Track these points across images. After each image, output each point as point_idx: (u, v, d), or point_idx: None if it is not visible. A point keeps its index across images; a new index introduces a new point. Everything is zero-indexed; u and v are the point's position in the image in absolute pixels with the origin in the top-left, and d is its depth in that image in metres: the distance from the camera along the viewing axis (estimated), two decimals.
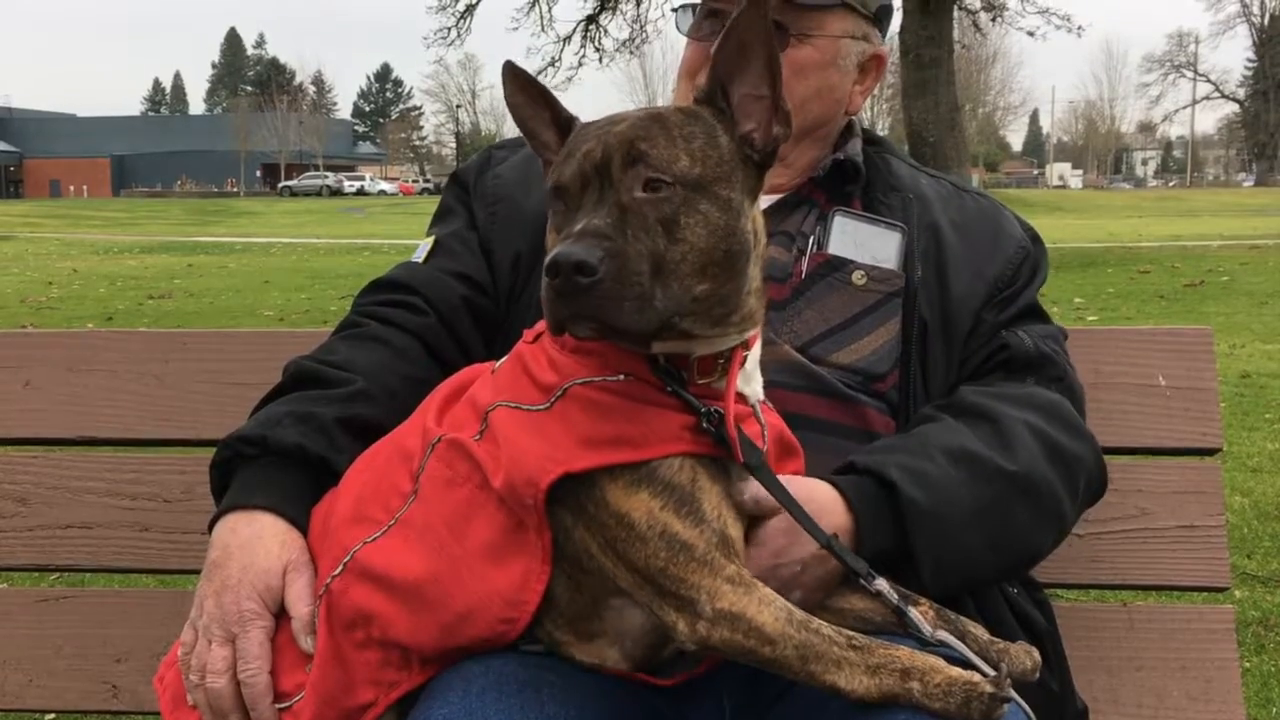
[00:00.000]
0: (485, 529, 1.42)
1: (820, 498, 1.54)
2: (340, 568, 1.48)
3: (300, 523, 1.58)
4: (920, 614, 1.46)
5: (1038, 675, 1.49)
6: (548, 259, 1.26)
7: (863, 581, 1.42)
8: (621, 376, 1.41)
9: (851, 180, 1.89)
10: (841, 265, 1.81)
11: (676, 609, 1.35)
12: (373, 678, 1.45)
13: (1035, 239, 1.94)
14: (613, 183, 1.33)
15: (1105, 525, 2.01)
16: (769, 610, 1.33)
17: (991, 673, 1.33)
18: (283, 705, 1.48)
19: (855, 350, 1.78)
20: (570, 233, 1.29)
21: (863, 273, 1.81)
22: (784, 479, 1.50)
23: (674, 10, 1.95)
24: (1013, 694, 1.30)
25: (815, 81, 1.84)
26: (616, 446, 1.37)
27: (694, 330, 1.38)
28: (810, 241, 1.83)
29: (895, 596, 1.42)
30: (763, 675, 1.47)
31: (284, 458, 1.62)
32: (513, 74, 1.51)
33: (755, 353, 1.50)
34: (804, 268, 1.81)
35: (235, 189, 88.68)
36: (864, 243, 1.83)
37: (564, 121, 1.48)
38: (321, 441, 1.63)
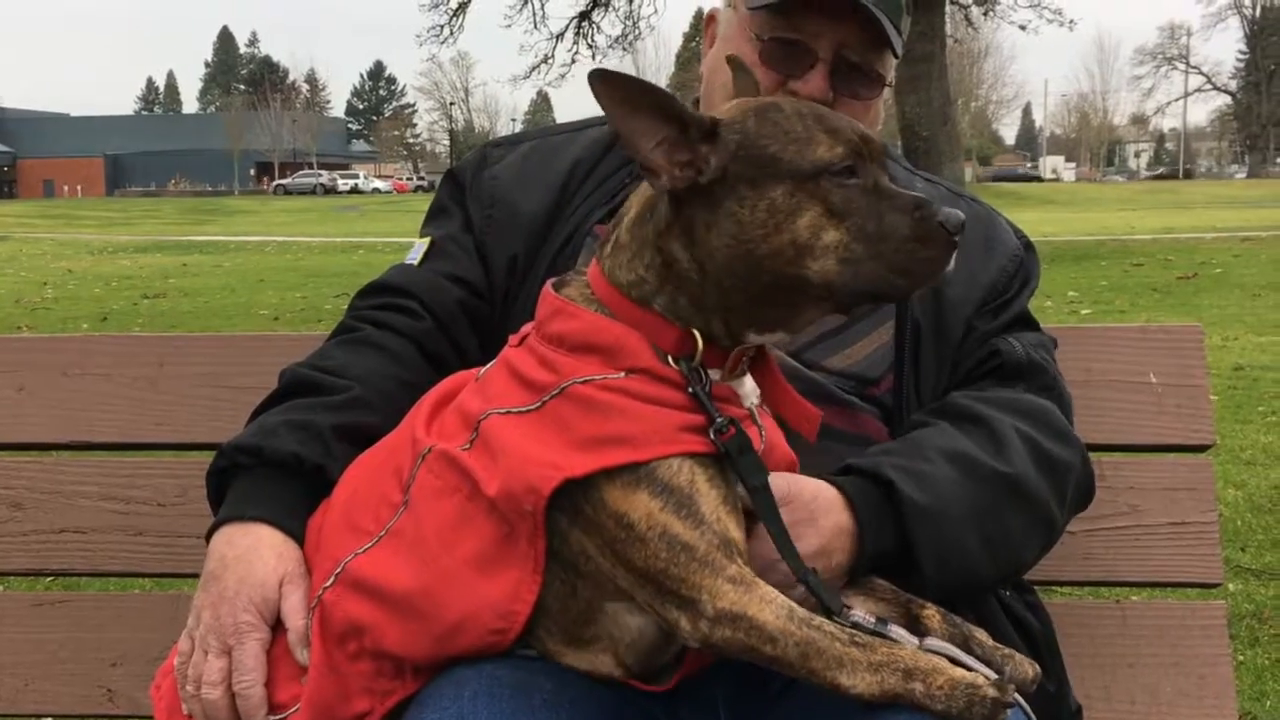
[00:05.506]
0: (474, 540, 1.41)
1: (823, 496, 1.54)
2: (332, 579, 1.48)
3: (297, 534, 1.58)
4: (926, 617, 1.45)
5: (1035, 687, 1.49)
6: (942, 217, 1.35)
7: (836, 619, 1.37)
8: (621, 374, 1.40)
9: None
10: None
11: (678, 607, 1.34)
12: (367, 687, 1.45)
13: (1028, 246, 1.94)
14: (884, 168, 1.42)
15: (1098, 522, 2.00)
16: (770, 608, 1.32)
17: (994, 675, 1.32)
18: (278, 717, 1.48)
19: (848, 355, 1.77)
20: (919, 200, 1.37)
21: None
22: (788, 477, 1.50)
23: None
24: (1016, 698, 1.30)
25: (878, 110, 1.88)
26: (614, 446, 1.36)
27: None
28: None
29: (871, 622, 1.38)
30: (758, 679, 1.47)
31: (280, 468, 1.61)
32: (602, 79, 1.34)
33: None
34: None
35: (232, 188, 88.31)
36: None
37: (680, 115, 1.36)
38: (318, 450, 1.62)
